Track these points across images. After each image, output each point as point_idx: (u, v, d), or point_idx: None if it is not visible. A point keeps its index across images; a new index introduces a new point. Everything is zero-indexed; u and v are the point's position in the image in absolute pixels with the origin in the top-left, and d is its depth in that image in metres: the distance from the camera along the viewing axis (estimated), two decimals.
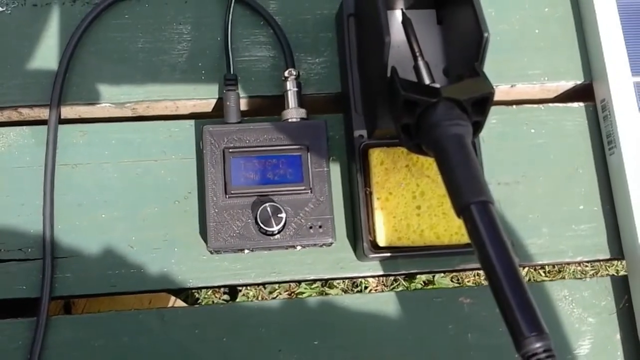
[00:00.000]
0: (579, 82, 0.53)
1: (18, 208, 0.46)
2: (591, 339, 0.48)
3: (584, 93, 0.53)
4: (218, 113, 0.49)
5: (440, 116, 0.39)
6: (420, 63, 0.44)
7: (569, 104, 0.53)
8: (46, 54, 0.49)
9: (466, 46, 0.44)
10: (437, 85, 0.43)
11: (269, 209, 0.43)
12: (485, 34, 0.41)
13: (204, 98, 0.50)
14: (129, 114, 0.51)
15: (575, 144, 0.52)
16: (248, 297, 0.58)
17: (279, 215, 0.43)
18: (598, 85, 0.52)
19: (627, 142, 0.49)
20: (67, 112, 0.49)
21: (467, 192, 0.37)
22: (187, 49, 0.50)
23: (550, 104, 0.53)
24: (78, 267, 0.46)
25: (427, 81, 0.44)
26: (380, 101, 0.44)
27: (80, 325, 0.45)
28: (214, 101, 0.50)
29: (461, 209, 0.36)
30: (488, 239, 0.35)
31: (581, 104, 0.53)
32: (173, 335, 0.45)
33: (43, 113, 0.49)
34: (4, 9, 0.50)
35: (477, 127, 0.41)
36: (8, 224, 0.46)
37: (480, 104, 0.40)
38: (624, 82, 0.50)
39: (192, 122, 0.49)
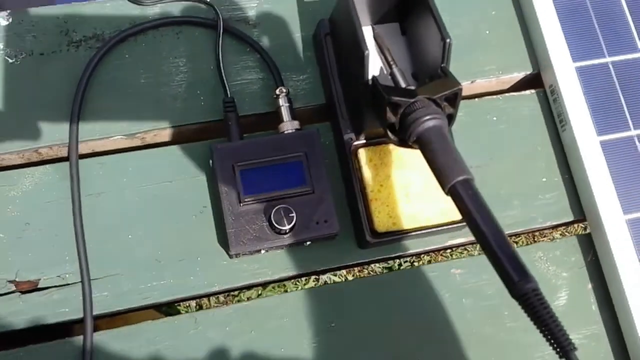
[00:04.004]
0: (528, 73, 0.61)
1: (52, 239, 0.51)
2: (567, 291, 0.55)
3: (534, 81, 0.61)
4: (220, 133, 0.55)
5: (420, 113, 0.46)
6: (395, 70, 0.51)
7: (523, 92, 0.61)
8: (58, 97, 0.54)
9: (431, 51, 0.51)
10: (413, 88, 0.50)
11: (281, 210, 0.49)
12: (448, 40, 0.48)
13: (205, 121, 0.56)
14: (138, 143, 0.56)
15: (532, 126, 0.59)
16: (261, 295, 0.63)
17: (290, 214, 0.49)
18: (545, 74, 0.60)
19: (576, 118, 0.57)
20: (82, 147, 0.54)
21: (450, 173, 0.44)
22: (185, 79, 0.56)
23: (507, 94, 0.60)
24: (113, 285, 0.51)
25: (403, 85, 0.51)
26: (364, 106, 0.50)
27: (123, 338, 0.50)
28: (214, 123, 0.56)
29: (448, 188, 0.43)
30: (474, 208, 0.42)
31: (532, 91, 0.61)
32: (208, 334, 0.51)
33: (61, 151, 0.55)
34: (14, 60, 0.55)
35: (451, 118, 0.48)
36: (45, 255, 0.51)
37: (452, 99, 0.47)
38: (567, 69, 0.58)
39: (197, 144, 0.55)
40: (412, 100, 0.46)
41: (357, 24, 0.49)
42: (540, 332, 0.38)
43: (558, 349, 0.37)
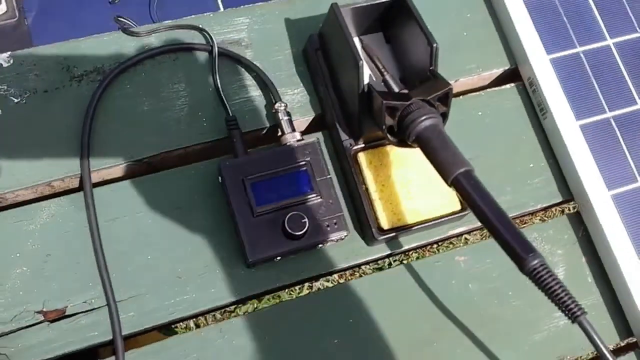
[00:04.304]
0: (507, 68, 0.65)
1: (74, 267, 0.53)
2: (563, 266, 0.59)
3: (513, 76, 0.65)
4: (224, 151, 0.58)
5: (417, 114, 0.49)
6: (387, 76, 0.55)
7: (503, 87, 0.65)
8: (66, 131, 0.56)
9: (418, 56, 0.55)
10: (406, 91, 0.53)
11: (294, 217, 0.52)
12: (435, 45, 0.52)
13: (209, 141, 0.58)
14: (146, 167, 0.59)
15: (515, 117, 0.63)
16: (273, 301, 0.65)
17: (302, 220, 0.52)
18: (522, 68, 0.64)
19: (555, 106, 0.61)
20: (94, 176, 0.56)
21: (451, 166, 0.47)
22: (186, 103, 0.59)
23: (488, 90, 0.64)
24: (138, 305, 0.53)
25: (396, 89, 0.54)
26: (361, 113, 0.54)
27: (154, 355, 0.52)
28: (218, 142, 0.59)
29: (451, 181, 0.47)
30: (477, 196, 0.45)
31: (512, 84, 0.65)
32: (234, 342, 0.53)
33: (73, 182, 0.57)
34: (19, 99, 0.57)
35: (445, 116, 0.51)
36: (69, 283, 0.53)
37: (444, 99, 0.51)
38: (542, 61, 0.62)
39: (204, 162, 0.58)
40: (408, 102, 0.49)
41: (349, 36, 0.52)
42: (552, 301, 0.42)
43: (570, 315, 0.41)
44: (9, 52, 0.58)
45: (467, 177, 0.46)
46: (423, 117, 0.49)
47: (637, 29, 0.65)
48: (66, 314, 0.52)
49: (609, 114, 0.62)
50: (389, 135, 0.51)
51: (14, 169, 0.55)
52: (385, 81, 0.54)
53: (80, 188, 0.56)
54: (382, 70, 0.55)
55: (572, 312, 0.41)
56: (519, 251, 0.43)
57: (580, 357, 0.58)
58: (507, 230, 0.44)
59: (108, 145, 0.57)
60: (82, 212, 0.54)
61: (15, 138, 0.56)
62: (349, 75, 0.53)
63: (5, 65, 0.57)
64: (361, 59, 0.51)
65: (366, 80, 0.54)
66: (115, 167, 0.57)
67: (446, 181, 0.47)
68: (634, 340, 0.58)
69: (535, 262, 0.42)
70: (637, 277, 0.57)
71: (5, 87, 0.57)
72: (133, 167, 0.58)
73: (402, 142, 0.51)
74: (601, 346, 0.43)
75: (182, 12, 1.00)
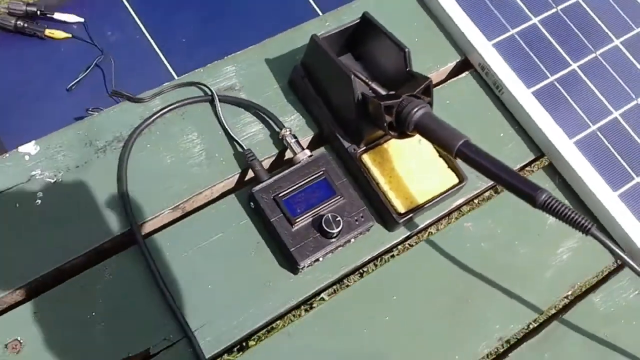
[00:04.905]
0: (458, 60, 0.76)
1: (146, 310, 0.59)
2: None
3: (464, 65, 0.76)
4: (243, 183, 0.65)
5: (410, 107, 0.58)
6: (373, 84, 0.64)
7: (460, 76, 0.75)
8: (104, 197, 0.62)
9: (392, 63, 0.64)
10: (393, 92, 0.62)
11: (329, 217, 0.60)
12: (407, 49, 0.62)
13: (229, 177, 0.66)
14: (180, 213, 0.65)
15: (477, 98, 0.74)
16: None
17: (336, 219, 0.60)
18: (471, 57, 0.75)
19: (508, 82, 0.72)
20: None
21: (452, 141, 0.56)
22: (203, 148, 0.66)
23: (449, 81, 0.75)
24: (211, 330, 0.59)
25: (384, 93, 0.63)
26: (358, 120, 0.63)
27: None
28: (237, 175, 0.66)
29: (455, 153, 0.56)
30: (481, 158, 0.55)
31: (466, 72, 0.76)
32: (303, 341, 0.60)
33: (119, 241, 0.62)
34: (55, 179, 0.62)
35: (430, 104, 0.61)
36: (146, 326, 0.58)
37: (427, 90, 0.60)
38: (486, 48, 0.74)
39: (231, 196, 0.65)
40: (400, 99, 0.59)
41: (335, 58, 0.61)
42: (566, 222, 0.51)
43: (583, 229, 0.50)
44: (33, 141, 0.64)
45: (467, 146, 0.56)
46: (416, 108, 0.58)
47: (554, 6, 0.78)
48: (151, 354, 0.57)
49: (551, 78, 0.73)
50: (389, 131, 0.60)
51: (66, 241, 0.60)
52: (372, 89, 0.64)
53: (126, 245, 0.62)
54: (366, 80, 0.64)
55: (584, 227, 0.51)
56: (528, 191, 0.52)
57: (588, 279, 0.68)
58: (513, 178, 0.53)
59: (144, 200, 0.63)
60: (138, 262, 0.60)
61: (61, 213, 0.61)
62: (343, 90, 0.62)
63: (33, 152, 0.63)
64: (352, 73, 0.60)
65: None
66: (154, 218, 0.63)
67: (451, 154, 0.57)
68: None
69: (544, 195, 0.51)
70: (613, 205, 0.68)
71: (39, 171, 0.62)
72: (170, 214, 0.64)
73: (403, 134, 0.61)
74: (613, 246, 0.52)
75: (139, 85, 1.08)
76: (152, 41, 1.18)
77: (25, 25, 1.19)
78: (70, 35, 1.19)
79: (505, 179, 0.54)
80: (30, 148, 0.63)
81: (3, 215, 0.60)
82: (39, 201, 0.61)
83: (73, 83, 1.13)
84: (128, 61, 1.15)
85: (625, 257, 0.53)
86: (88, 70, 1.14)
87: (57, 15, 1.20)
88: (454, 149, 0.56)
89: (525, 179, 0.53)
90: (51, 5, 1.21)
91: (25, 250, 0.59)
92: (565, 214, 0.51)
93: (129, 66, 1.15)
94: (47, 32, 1.19)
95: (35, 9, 1.19)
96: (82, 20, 1.19)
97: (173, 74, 1.18)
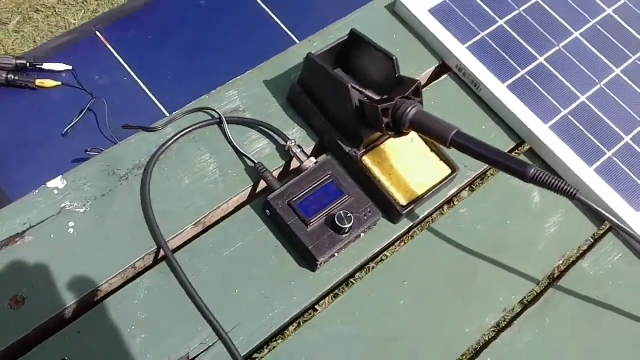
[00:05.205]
0: (437, 65, 0.83)
1: (182, 319, 0.64)
2: (537, 191, 0.76)
3: (443, 69, 0.84)
4: (255, 195, 0.71)
5: (404, 107, 0.65)
6: (367, 92, 0.71)
7: (441, 79, 0.82)
8: (131, 220, 0.67)
9: (382, 71, 0.71)
10: (386, 96, 0.69)
11: (341, 214, 0.66)
12: (395, 57, 0.69)
13: (242, 190, 0.71)
14: (201, 227, 0.71)
15: (459, 97, 0.81)
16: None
17: (348, 215, 0.66)
18: (448, 60, 0.83)
19: (484, 79, 0.79)
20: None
21: (445, 133, 0.63)
22: (217, 167, 0.71)
23: (431, 84, 0.82)
24: (243, 330, 0.64)
25: (377, 98, 0.70)
26: (357, 125, 0.69)
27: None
28: (249, 189, 0.72)
29: (449, 143, 0.63)
30: (473, 145, 0.61)
31: (445, 75, 0.83)
32: (326, 330, 0.65)
33: (149, 258, 0.67)
34: (84, 209, 0.67)
35: (421, 103, 0.68)
36: (183, 333, 0.63)
37: (416, 91, 0.67)
38: (461, 51, 0.81)
39: (247, 207, 0.70)
40: (394, 102, 0.65)
41: (331, 72, 0.68)
42: (554, 191, 0.58)
43: (569, 195, 0.57)
44: (60, 176, 0.69)
45: (459, 135, 0.62)
46: (410, 108, 0.65)
47: (516, 8, 0.86)
48: (190, 358, 0.62)
49: (522, 72, 0.81)
50: (387, 131, 0.67)
51: (101, 263, 0.65)
52: (367, 96, 0.70)
53: (156, 262, 0.67)
54: (360, 89, 0.71)
55: (571, 193, 0.57)
56: (519, 168, 0.59)
57: (577, 248, 0.74)
58: (504, 158, 0.60)
59: (168, 219, 0.68)
60: (169, 276, 0.65)
61: (93, 239, 0.66)
62: (341, 100, 0.68)
63: (61, 187, 0.68)
64: (349, 84, 0.66)
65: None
66: (179, 235, 0.68)
67: (445, 144, 0.63)
68: (609, 226, 0.76)
69: (533, 170, 0.58)
70: (591, 179, 0.75)
71: (69, 203, 0.67)
72: (193, 230, 0.69)
73: (399, 133, 0.67)
74: (596, 207, 0.59)
75: (132, 122, 1.13)
76: (139, 81, 1.24)
77: (16, 78, 1.24)
78: (60, 83, 1.24)
79: (497, 160, 0.60)
80: (57, 183, 0.68)
81: (40, 247, 0.65)
82: (72, 230, 0.66)
83: (68, 128, 1.18)
84: (119, 102, 1.21)
85: (607, 215, 0.60)
86: (82, 115, 1.19)
87: (46, 66, 1.25)
88: (448, 139, 0.63)
89: (515, 158, 0.60)
90: (39, 56, 1.26)
91: (64, 275, 0.64)
92: (553, 183, 0.58)
93: (121, 106, 1.20)
94: (38, 82, 1.24)
95: (24, 62, 1.24)
96: (70, 68, 1.25)
97: (163, 109, 1.24)
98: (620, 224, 0.61)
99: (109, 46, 1.27)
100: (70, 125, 1.18)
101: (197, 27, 1.34)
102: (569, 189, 0.57)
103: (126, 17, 1.31)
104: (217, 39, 1.38)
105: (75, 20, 1.73)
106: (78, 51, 1.27)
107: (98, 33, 1.27)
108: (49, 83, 1.23)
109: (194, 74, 1.31)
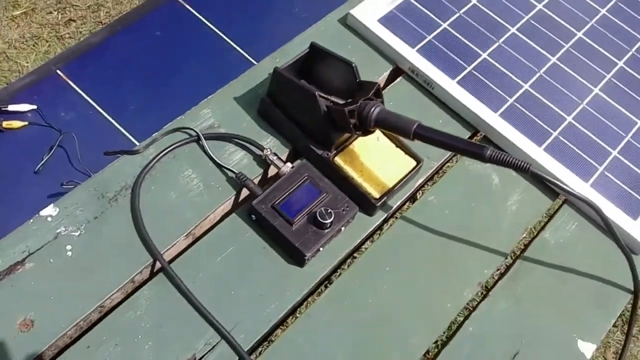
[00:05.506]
0: (391, 68, 0.90)
1: (185, 324, 0.68)
2: (496, 174, 0.83)
3: (397, 72, 0.91)
4: (238, 204, 0.76)
5: (368, 108, 0.71)
6: (332, 98, 0.77)
7: (396, 81, 0.89)
8: (125, 238, 0.71)
9: (342, 78, 0.77)
10: (350, 100, 0.75)
11: (322, 211, 0.71)
12: (354, 64, 0.75)
13: (226, 200, 0.76)
14: (192, 238, 0.75)
15: (415, 97, 0.88)
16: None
17: (328, 211, 0.71)
18: (401, 63, 0.90)
19: (435, 78, 0.87)
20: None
21: (407, 127, 0.70)
22: (200, 180, 0.76)
23: (387, 87, 0.89)
24: (243, 327, 0.69)
25: (342, 102, 0.76)
26: (326, 129, 0.75)
27: (277, 353, 0.68)
28: (232, 198, 0.77)
29: (412, 135, 0.69)
30: (434, 134, 0.68)
31: (400, 77, 0.90)
32: (322, 319, 0.70)
33: (146, 272, 0.71)
34: (79, 232, 0.71)
35: (383, 102, 0.74)
36: (187, 336, 0.67)
37: (377, 93, 0.74)
38: (412, 54, 0.88)
39: (233, 215, 0.75)
40: (358, 104, 0.72)
41: (298, 82, 0.74)
42: (509, 167, 0.65)
43: (524, 170, 0.64)
44: (52, 204, 0.73)
45: (421, 127, 0.69)
46: (373, 108, 0.71)
47: (456, 11, 0.94)
48: (197, 358, 0.66)
49: (469, 68, 0.89)
50: (354, 131, 0.73)
51: (101, 282, 0.69)
52: (332, 101, 0.76)
53: (152, 275, 0.71)
54: (326, 96, 0.77)
55: (525, 167, 0.64)
56: (477, 150, 0.66)
57: (537, 221, 0.82)
58: (462, 143, 0.67)
59: (160, 234, 0.72)
60: (168, 285, 0.69)
61: (91, 259, 0.70)
62: (309, 107, 0.74)
63: (54, 214, 0.72)
64: (315, 92, 0.72)
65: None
66: (171, 248, 0.73)
67: (409, 137, 0.70)
68: (563, 199, 0.84)
69: (489, 151, 0.65)
70: (542, 158, 0.82)
71: (63, 228, 0.71)
72: (184, 241, 0.74)
73: (366, 132, 0.73)
74: (551, 179, 0.66)
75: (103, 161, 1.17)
76: (104, 114, 1.27)
77: None
78: (27, 123, 1.27)
79: (457, 145, 0.67)
80: (50, 211, 0.72)
81: (41, 271, 0.68)
82: (70, 253, 0.70)
83: (39, 165, 1.20)
84: (87, 135, 1.24)
85: (560, 184, 0.67)
86: (52, 151, 1.22)
87: (11, 107, 1.28)
88: (411, 131, 0.69)
89: (473, 142, 0.67)
90: (2, 99, 1.28)
91: (67, 295, 0.67)
92: (508, 160, 0.64)
93: (89, 139, 1.24)
94: (5, 124, 1.27)
95: None
96: (35, 107, 1.28)
97: (131, 138, 1.27)
98: (572, 191, 0.68)
99: (70, 83, 1.30)
100: (42, 163, 1.20)
101: (154, 57, 1.39)
102: (522, 164, 0.64)
103: (85, 54, 1.35)
104: (174, 67, 1.43)
105: (27, 63, 1.75)
106: (41, 90, 1.30)
107: (58, 71, 1.30)
108: (16, 124, 1.26)
109: (156, 101, 1.35)
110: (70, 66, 1.34)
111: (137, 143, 0.90)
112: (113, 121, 1.27)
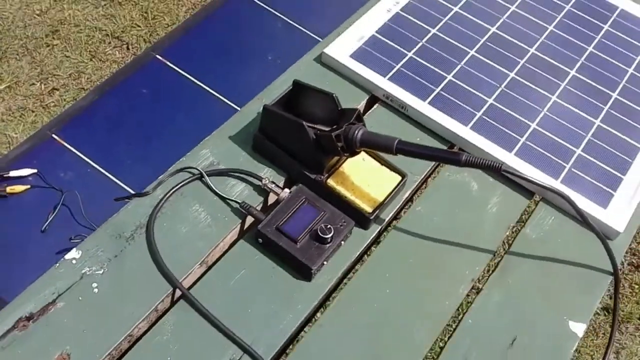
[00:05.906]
0: (367, 97, 0.99)
1: (209, 343, 0.74)
2: (476, 179, 0.92)
3: (373, 99, 1.00)
4: (244, 232, 0.83)
5: (352, 131, 0.80)
6: (318, 126, 0.85)
7: (373, 108, 0.98)
8: (145, 271, 0.78)
9: (325, 109, 0.86)
10: (335, 126, 0.83)
11: (322, 226, 0.79)
12: (334, 94, 0.84)
13: (233, 229, 0.83)
14: (205, 267, 0.82)
15: (392, 120, 0.97)
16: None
17: (328, 227, 0.79)
18: (376, 92, 0.99)
19: (408, 101, 0.96)
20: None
21: (390, 144, 0.78)
22: (208, 213, 0.83)
23: (366, 114, 0.98)
24: (262, 341, 0.75)
25: (327, 129, 0.85)
26: (317, 154, 0.83)
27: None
28: (238, 226, 0.84)
29: (395, 150, 0.78)
30: (414, 148, 0.77)
31: (377, 104, 0.99)
32: (334, 327, 0.77)
33: (167, 301, 0.78)
34: (102, 270, 0.77)
35: (364, 125, 0.83)
36: (214, 355, 0.73)
37: (358, 117, 0.82)
38: (385, 82, 0.97)
39: (241, 241, 0.82)
40: (343, 128, 0.80)
41: (286, 115, 0.82)
42: (483, 168, 0.73)
43: (496, 170, 0.72)
44: (74, 248, 0.79)
45: (401, 143, 0.78)
46: (357, 130, 0.80)
47: (419, 41, 1.04)
48: None
49: (438, 90, 0.98)
50: (342, 153, 0.81)
51: (127, 313, 0.75)
52: (319, 129, 0.85)
53: (173, 302, 0.78)
54: (312, 125, 0.85)
55: (497, 167, 0.73)
56: (452, 157, 0.74)
57: (519, 219, 0.90)
58: (439, 152, 0.75)
59: (176, 264, 0.79)
60: (190, 310, 0.76)
61: (117, 293, 0.76)
62: (299, 137, 0.82)
63: (78, 257, 0.78)
64: (302, 122, 0.81)
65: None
66: (188, 277, 0.79)
67: (392, 153, 0.78)
68: (540, 198, 0.92)
69: (464, 156, 0.73)
70: (514, 162, 0.91)
71: (88, 268, 0.77)
72: (199, 270, 0.81)
73: (353, 153, 0.82)
74: (524, 175, 0.75)
75: (105, 208, 1.24)
76: (102, 170, 1.35)
77: None
78: (29, 186, 1.33)
79: (435, 154, 0.75)
80: (74, 254, 0.79)
81: (72, 309, 0.74)
82: (96, 290, 0.76)
83: (45, 225, 1.26)
84: (88, 192, 1.31)
85: (534, 180, 0.76)
86: (57, 210, 1.28)
87: (13, 173, 1.35)
88: (393, 147, 0.77)
89: (449, 150, 0.75)
90: (2, 167, 1.35)
91: (98, 328, 0.73)
92: (481, 162, 0.73)
93: (90, 195, 1.30)
94: (8, 189, 1.33)
95: None
96: (35, 170, 1.35)
97: (129, 190, 1.34)
98: (544, 184, 0.77)
99: (66, 145, 1.38)
100: (48, 222, 1.26)
101: (143, 113, 1.47)
102: (494, 164, 0.73)
103: (77, 117, 1.43)
104: (164, 120, 1.51)
105: (16, 134, 1.83)
106: (39, 155, 1.37)
107: (54, 135, 1.37)
108: (19, 188, 1.32)
109: (150, 154, 1.43)
110: (64, 129, 1.42)
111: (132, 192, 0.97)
112: (111, 176, 1.34)
